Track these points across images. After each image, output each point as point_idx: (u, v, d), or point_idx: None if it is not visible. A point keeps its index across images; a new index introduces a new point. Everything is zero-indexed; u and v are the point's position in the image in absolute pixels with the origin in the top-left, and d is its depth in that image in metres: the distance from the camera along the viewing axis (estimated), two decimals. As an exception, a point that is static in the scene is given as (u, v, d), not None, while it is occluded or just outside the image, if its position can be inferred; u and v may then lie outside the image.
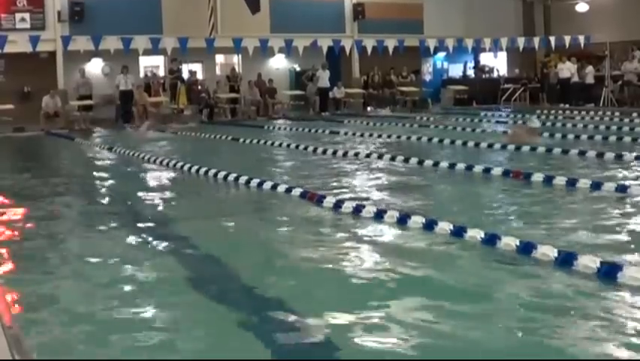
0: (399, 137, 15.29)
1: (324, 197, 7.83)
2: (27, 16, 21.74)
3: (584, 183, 8.32)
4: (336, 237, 6.37)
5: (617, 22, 26.35)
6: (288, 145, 14.34)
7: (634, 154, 10.67)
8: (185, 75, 24.48)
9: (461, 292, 4.73)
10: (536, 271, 5.08)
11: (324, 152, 12.78)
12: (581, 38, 25.67)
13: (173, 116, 23.22)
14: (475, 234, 5.84)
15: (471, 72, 30.24)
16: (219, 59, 27.29)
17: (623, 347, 3.74)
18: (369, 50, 25.80)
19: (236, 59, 26.41)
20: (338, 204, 7.48)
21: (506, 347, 3.82)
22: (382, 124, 19.08)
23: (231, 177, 9.71)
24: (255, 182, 9.13)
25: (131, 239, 6.63)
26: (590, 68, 24.06)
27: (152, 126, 20.69)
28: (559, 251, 5.22)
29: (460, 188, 9.21)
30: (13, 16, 21.57)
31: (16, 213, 8.12)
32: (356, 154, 12.26)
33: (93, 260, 5.82)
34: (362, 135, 16.01)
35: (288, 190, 8.46)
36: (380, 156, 11.70)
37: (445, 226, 6.17)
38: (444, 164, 10.38)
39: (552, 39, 26.71)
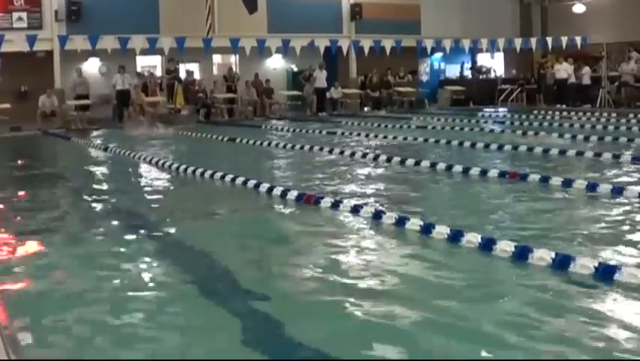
0: (395, 137, 15.29)
1: (321, 198, 7.83)
2: (24, 15, 21.71)
3: (580, 184, 8.33)
4: (334, 238, 6.36)
5: (613, 23, 26.40)
6: (284, 145, 14.34)
7: (630, 155, 10.69)
8: (183, 75, 24.47)
9: (458, 293, 4.74)
10: (533, 274, 5.09)
11: (321, 152, 12.79)
12: (578, 39, 25.70)
13: (170, 116, 23.22)
14: (472, 238, 5.83)
15: (468, 73, 30.26)
16: (216, 58, 27.31)
17: (622, 348, 3.75)
18: (366, 51, 25.81)
19: (233, 59, 26.40)
20: (335, 206, 7.48)
21: (504, 349, 3.83)
22: (379, 125, 19.08)
23: (228, 178, 9.71)
24: (251, 183, 9.13)
25: (126, 239, 6.64)
26: (586, 69, 24.08)
27: (149, 126, 20.70)
28: (556, 253, 5.22)
29: (457, 189, 9.22)
30: (10, 16, 21.54)
31: (11, 213, 8.11)
32: (352, 154, 12.26)
33: (89, 260, 5.81)
34: (359, 136, 16.02)
35: (285, 192, 8.45)
36: (376, 157, 11.70)
37: (442, 230, 6.16)
38: (441, 165, 10.38)
39: (549, 40, 26.75)
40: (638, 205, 7.34)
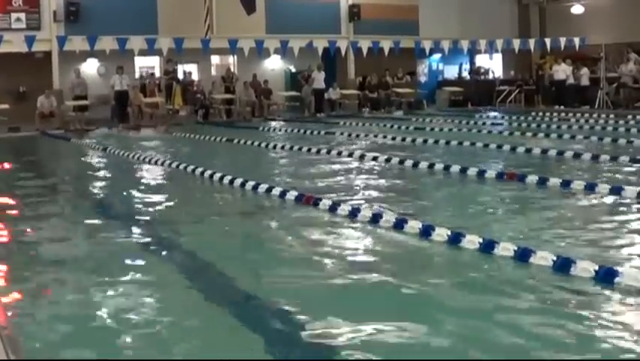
0: (394, 138, 15.29)
1: (319, 199, 7.83)
2: (22, 16, 21.69)
3: (578, 185, 8.34)
4: (333, 239, 6.36)
5: (612, 24, 26.42)
6: (282, 146, 14.34)
7: (629, 156, 10.69)
8: (180, 76, 24.46)
9: (458, 294, 4.74)
10: (535, 277, 5.09)
11: (320, 153, 12.79)
12: (577, 40, 25.74)
13: (168, 116, 23.22)
14: (472, 240, 5.83)
15: (466, 74, 30.27)
16: (215, 59, 27.30)
17: (621, 350, 3.75)
18: (364, 51, 25.80)
19: (231, 59, 26.40)
20: (334, 207, 7.48)
21: (505, 350, 3.83)
22: (377, 125, 19.09)
23: (226, 179, 9.71)
24: (250, 184, 9.12)
25: (127, 239, 6.63)
26: (585, 70, 24.09)
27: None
28: (557, 256, 5.23)
29: (455, 190, 9.22)
30: (8, 16, 21.52)
31: (9, 214, 8.10)
32: (350, 155, 12.26)
33: (87, 261, 5.81)
34: (357, 136, 16.02)
35: (283, 193, 8.45)
36: (375, 158, 11.70)
37: (441, 232, 6.16)
38: (439, 165, 10.39)
39: (547, 41, 26.77)
40: (636, 206, 7.35)
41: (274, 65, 27.62)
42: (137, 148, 14.95)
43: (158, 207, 8.51)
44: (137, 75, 24.85)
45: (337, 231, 6.72)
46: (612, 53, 24.70)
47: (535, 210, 7.58)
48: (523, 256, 5.38)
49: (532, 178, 8.94)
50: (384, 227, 6.68)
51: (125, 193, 9.69)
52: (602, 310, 4.37)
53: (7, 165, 13.17)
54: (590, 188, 8.20)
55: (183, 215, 7.98)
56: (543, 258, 5.24)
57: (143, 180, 11.03)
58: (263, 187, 8.85)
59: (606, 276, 4.82)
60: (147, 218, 7.74)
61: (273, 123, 21.74)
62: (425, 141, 14.32)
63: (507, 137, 15.06)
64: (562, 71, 23.98)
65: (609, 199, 7.77)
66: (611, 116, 19.52)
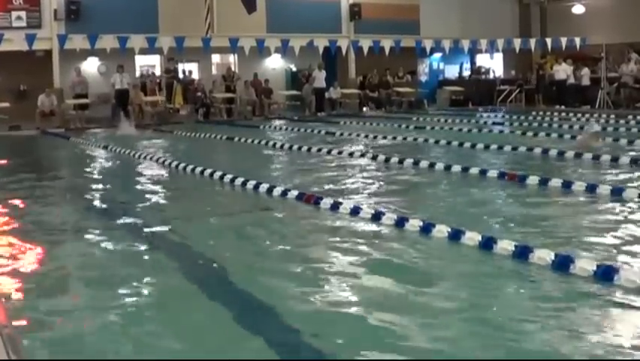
0: (394, 138, 15.29)
1: (320, 198, 7.83)
2: (23, 14, 21.69)
3: (579, 186, 8.33)
4: (334, 238, 6.36)
5: (613, 24, 26.41)
6: (282, 145, 14.33)
7: (630, 157, 10.68)
8: (181, 75, 24.47)
9: (458, 292, 4.74)
10: (533, 274, 5.09)
11: (320, 152, 12.78)
12: (577, 40, 25.72)
13: (169, 115, 23.22)
14: (472, 237, 5.84)
15: (467, 73, 30.25)
16: (215, 58, 27.29)
17: (621, 348, 3.75)
18: (365, 51, 25.79)
19: (232, 58, 26.38)
20: (335, 206, 7.48)
21: (503, 349, 3.83)
22: (378, 125, 19.09)
23: (227, 178, 9.71)
24: (251, 183, 9.12)
25: (126, 239, 6.63)
26: (585, 70, 24.07)
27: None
28: (555, 254, 5.23)
29: (456, 189, 9.21)
30: (9, 15, 21.51)
31: (10, 213, 8.10)
32: (351, 154, 12.26)
33: (86, 260, 5.81)
34: (358, 136, 16.02)
35: (284, 192, 8.44)
36: (375, 157, 11.69)
37: (442, 229, 6.17)
38: (440, 165, 10.39)
39: (548, 41, 26.76)
40: (637, 206, 7.35)
41: (275, 64, 27.61)
42: (136, 146, 14.94)
43: (157, 206, 8.52)
44: (137, 74, 24.83)
45: (338, 230, 6.71)
46: (613, 53, 24.69)
47: (534, 209, 7.58)
48: (521, 254, 5.38)
49: (533, 178, 8.93)
50: (386, 225, 6.68)
51: (123, 192, 9.71)
52: (601, 309, 4.37)
53: (2, 161, 13.19)
54: (591, 188, 8.19)
55: (183, 214, 7.99)
56: (541, 257, 5.24)
57: (142, 179, 11.02)
58: (264, 186, 8.84)
59: (605, 275, 4.82)
60: (147, 217, 7.73)
61: (274, 122, 21.73)
62: (426, 141, 14.31)
63: (508, 136, 15.05)
64: (562, 71, 23.97)
65: (609, 199, 7.76)
66: (612, 116, 19.50)
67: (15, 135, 19.70)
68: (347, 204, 7.46)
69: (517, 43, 26.87)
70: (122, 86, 22.10)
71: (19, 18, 21.61)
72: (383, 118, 21.70)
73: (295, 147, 13.82)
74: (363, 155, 12.08)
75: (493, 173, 9.51)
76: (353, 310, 4.44)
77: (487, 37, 26.76)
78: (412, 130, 17.44)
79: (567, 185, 8.45)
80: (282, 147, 14.24)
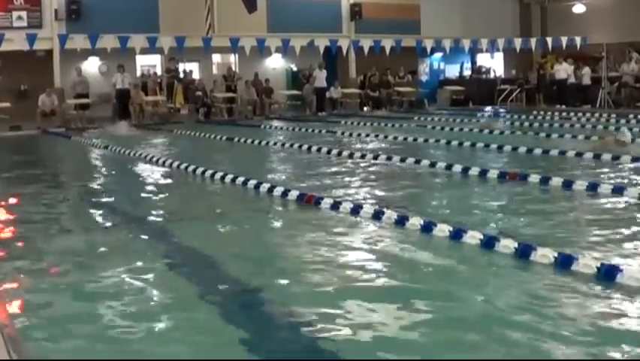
0: (395, 137, 15.28)
1: (321, 198, 7.82)
2: (24, 14, 21.70)
3: (580, 185, 8.33)
4: (334, 238, 6.35)
5: (613, 23, 26.42)
6: (283, 144, 14.32)
7: (630, 156, 10.68)
8: (181, 75, 24.48)
9: (458, 290, 4.74)
10: (536, 273, 5.09)
11: (321, 152, 12.78)
12: (578, 39, 25.70)
13: (170, 115, 23.22)
14: (474, 236, 5.83)
15: (468, 73, 30.25)
16: (216, 58, 27.29)
17: (622, 348, 3.75)
18: (366, 50, 25.80)
19: (233, 58, 26.40)
20: (335, 206, 7.48)
21: (505, 348, 3.83)
22: (379, 124, 19.09)
23: (228, 178, 9.70)
24: (252, 183, 9.11)
25: (126, 239, 6.64)
26: (586, 70, 24.07)
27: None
28: (558, 253, 5.23)
29: (456, 189, 9.21)
30: (10, 14, 21.53)
31: (10, 213, 8.10)
32: (351, 154, 12.25)
33: (86, 259, 5.81)
34: (359, 135, 16.01)
35: (285, 192, 8.44)
36: (376, 157, 11.68)
37: (443, 228, 6.17)
38: (441, 164, 10.38)
39: (549, 40, 26.76)
40: (638, 205, 7.35)
41: (275, 63, 27.62)
42: (138, 146, 14.94)
43: (157, 206, 8.51)
44: (138, 74, 24.84)
45: (338, 229, 6.71)
46: (614, 53, 24.69)
47: (536, 208, 7.58)
48: (523, 253, 5.38)
49: (535, 178, 8.93)
50: (386, 224, 6.68)
51: (124, 191, 9.71)
52: (604, 308, 4.36)
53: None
54: (592, 187, 8.19)
55: (183, 213, 7.98)
56: (544, 255, 5.24)
57: (142, 178, 11.02)
58: (265, 186, 8.84)
59: (608, 274, 4.82)
60: (146, 216, 7.73)
61: (275, 122, 21.73)
62: (426, 140, 14.30)
63: (508, 136, 15.04)
64: (563, 71, 23.98)
65: (611, 199, 7.76)
66: (613, 115, 19.50)
67: (16, 135, 19.69)
68: (347, 204, 7.46)
69: (517, 42, 26.86)
70: (123, 86, 22.12)
71: (19, 18, 21.62)
72: (384, 118, 21.69)
73: (296, 146, 13.81)
74: (363, 155, 12.07)
75: (493, 173, 9.50)
76: (355, 311, 4.43)
77: (487, 37, 26.77)
78: (412, 130, 17.42)
79: (568, 184, 8.45)
80: (282, 146, 14.23)
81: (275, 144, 14.61)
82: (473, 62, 30.65)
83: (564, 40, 25.88)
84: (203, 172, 10.37)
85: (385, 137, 15.45)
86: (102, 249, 6.22)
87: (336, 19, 26.70)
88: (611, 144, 12.33)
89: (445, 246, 5.96)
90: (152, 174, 11.27)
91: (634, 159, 10.36)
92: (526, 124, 17.91)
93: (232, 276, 5.29)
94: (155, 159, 12.36)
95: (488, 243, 5.70)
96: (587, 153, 11.19)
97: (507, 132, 15.84)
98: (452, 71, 30.45)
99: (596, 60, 24.91)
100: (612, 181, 8.66)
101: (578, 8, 28.39)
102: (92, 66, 24.29)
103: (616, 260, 5.20)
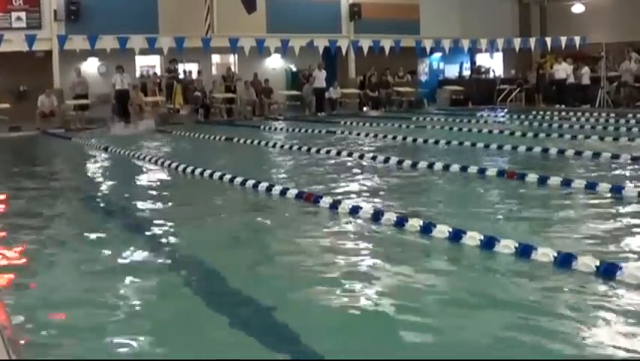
0: (394, 137, 15.28)
1: (320, 197, 7.83)
2: (23, 15, 21.70)
3: (579, 184, 8.34)
4: (333, 238, 6.35)
5: (612, 23, 26.42)
6: (282, 145, 14.32)
7: (630, 155, 10.68)
8: (181, 75, 24.47)
9: (459, 292, 4.74)
10: (535, 272, 5.09)
11: (320, 152, 12.78)
12: (577, 39, 25.71)
13: (169, 115, 23.22)
14: (474, 236, 5.83)
15: (467, 73, 30.25)
16: (215, 58, 27.28)
17: (623, 346, 3.75)
18: (365, 51, 25.81)
19: (232, 58, 26.38)
20: (334, 205, 7.48)
21: (504, 347, 3.83)
22: (378, 124, 19.09)
23: (226, 178, 9.71)
24: (250, 183, 9.12)
25: (126, 239, 6.63)
26: (585, 69, 24.05)
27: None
28: (558, 252, 5.23)
29: (455, 188, 9.22)
30: (9, 15, 21.53)
31: (9, 214, 8.10)
32: (350, 154, 12.26)
33: (85, 260, 5.82)
34: (358, 135, 16.01)
35: (284, 191, 8.44)
36: (374, 157, 11.68)
37: (442, 229, 6.16)
38: (439, 164, 10.38)
39: (548, 40, 26.75)
40: (637, 204, 7.35)
41: (275, 64, 27.61)
42: (137, 147, 14.94)
43: (157, 206, 8.51)
44: (137, 74, 24.83)
45: (337, 229, 6.71)
46: (613, 52, 24.68)
47: (535, 208, 7.59)
48: (524, 252, 5.38)
49: (533, 177, 8.93)
50: (385, 224, 6.68)
51: (122, 191, 9.71)
52: (603, 306, 4.36)
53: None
54: (591, 187, 8.20)
55: (183, 213, 7.98)
56: (544, 254, 5.24)
57: (141, 179, 11.03)
58: (263, 186, 8.84)
59: (607, 271, 4.82)
60: (146, 216, 7.75)
61: (274, 123, 21.73)
62: (426, 141, 14.30)
63: (508, 136, 15.03)
64: (562, 70, 23.96)
65: (610, 198, 7.76)
66: (612, 115, 19.50)
67: (15, 136, 19.69)
68: (346, 204, 7.46)
69: (517, 42, 26.87)
70: (122, 87, 22.12)
71: (19, 19, 21.62)
72: (383, 118, 21.69)
73: (295, 147, 13.82)
74: (362, 155, 12.07)
75: (492, 172, 9.51)
76: (357, 311, 4.43)
77: (487, 37, 26.77)
78: (412, 130, 17.42)
79: (567, 183, 8.46)
80: (282, 147, 14.23)
81: (274, 145, 14.60)
82: (472, 62, 30.63)
83: (563, 40, 25.89)
84: (202, 172, 10.37)
85: (384, 137, 15.45)
86: (100, 249, 6.21)
87: (335, 20, 26.70)
88: None
89: (445, 247, 5.96)
90: (151, 174, 11.27)
91: (633, 158, 10.37)
92: (526, 123, 17.93)
93: (230, 275, 5.28)
94: (154, 160, 12.36)
95: (488, 244, 5.69)
96: (586, 151, 11.20)
97: (506, 132, 15.84)
98: (451, 71, 30.43)
99: (595, 60, 24.90)
100: (612, 180, 8.67)
101: (577, 8, 28.39)
102: (91, 67, 24.28)
103: (616, 258, 5.20)
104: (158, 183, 10.44)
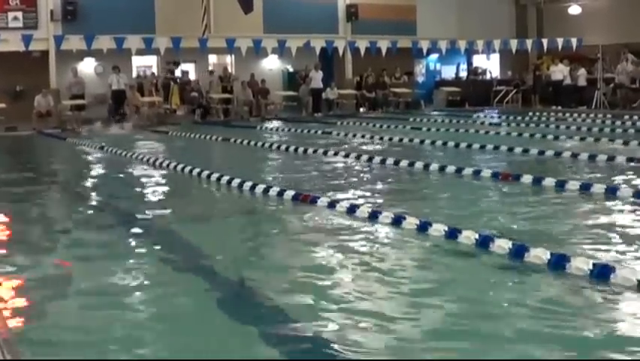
0: (391, 138, 15.29)
1: (317, 198, 7.84)
2: (20, 15, 21.67)
3: (573, 185, 8.36)
4: (331, 238, 6.36)
5: (609, 24, 26.45)
6: (279, 146, 14.32)
7: (625, 156, 10.71)
8: (179, 74, 24.47)
9: (456, 294, 4.75)
10: (529, 274, 5.10)
11: (317, 153, 12.79)
12: (574, 41, 25.73)
13: (166, 116, 23.21)
14: (469, 236, 5.85)
15: (464, 74, 30.27)
16: (212, 59, 27.26)
17: (618, 347, 3.77)
18: (362, 51, 25.81)
19: (229, 59, 26.37)
20: (331, 205, 7.49)
21: (501, 348, 3.84)
22: (375, 125, 19.10)
23: (224, 180, 9.70)
24: (247, 184, 9.11)
25: (124, 239, 6.64)
26: (582, 71, 24.09)
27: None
28: (551, 253, 5.24)
29: (451, 189, 9.23)
30: (5, 15, 21.49)
31: (7, 215, 8.10)
32: (347, 155, 12.27)
33: (84, 260, 5.82)
34: (354, 136, 16.02)
35: (281, 192, 8.45)
36: (370, 158, 11.68)
37: (439, 228, 6.18)
38: (435, 165, 10.39)
39: (545, 41, 26.76)
40: (631, 206, 7.37)
41: (272, 64, 27.59)
42: (132, 147, 14.94)
43: (153, 206, 8.51)
44: (134, 74, 24.80)
45: (335, 229, 6.72)
46: (609, 54, 24.71)
47: (530, 209, 7.60)
48: (517, 253, 5.39)
49: (527, 178, 8.95)
50: (382, 224, 6.70)
51: (119, 192, 9.71)
52: (597, 308, 4.38)
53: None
54: (586, 188, 8.22)
55: (180, 214, 7.99)
56: (537, 256, 5.25)
57: (137, 179, 11.01)
58: (260, 187, 8.84)
59: (601, 274, 4.84)
60: (141, 216, 7.74)
61: (271, 123, 21.73)
62: (422, 142, 14.31)
63: (504, 137, 15.05)
64: (559, 72, 24.00)
65: (605, 199, 7.78)
66: (608, 116, 19.53)
67: (11, 136, 19.66)
68: (343, 204, 7.47)
69: (513, 43, 26.87)
70: (118, 87, 22.10)
71: (15, 19, 21.58)
72: (380, 119, 21.69)
73: (292, 147, 13.82)
74: (359, 156, 12.07)
75: (487, 173, 9.53)
76: (358, 312, 4.44)
77: (483, 38, 26.76)
78: (408, 131, 17.43)
79: (561, 184, 8.48)
80: (278, 147, 14.23)
81: (271, 145, 14.60)
82: (469, 63, 30.65)
83: (560, 41, 25.91)
84: (199, 173, 10.37)
85: (381, 138, 15.46)
86: (97, 250, 6.22)
87: (332, 20, 26.69)
88: None
89: (441, 245, 5.98)
90: (147, 175, 11.26)
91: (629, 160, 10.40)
92: (522, 125, 17.95)
93: (229, 275, 5.30)
94: (150, 160, 12.36)
95: (483, 243, 5.71)
96: (583, 153, 11.22)
97: (503, 133, 15.86)
98: (448, 72, 30.45)
99: (591, 61, 24.94)
100: (607, 181, 8.69)
101: (574, 9, 28.42)
102: (87, 67, 24.23)
103: (609, 260, 5.22)
104: (155, 184, 10.41)
